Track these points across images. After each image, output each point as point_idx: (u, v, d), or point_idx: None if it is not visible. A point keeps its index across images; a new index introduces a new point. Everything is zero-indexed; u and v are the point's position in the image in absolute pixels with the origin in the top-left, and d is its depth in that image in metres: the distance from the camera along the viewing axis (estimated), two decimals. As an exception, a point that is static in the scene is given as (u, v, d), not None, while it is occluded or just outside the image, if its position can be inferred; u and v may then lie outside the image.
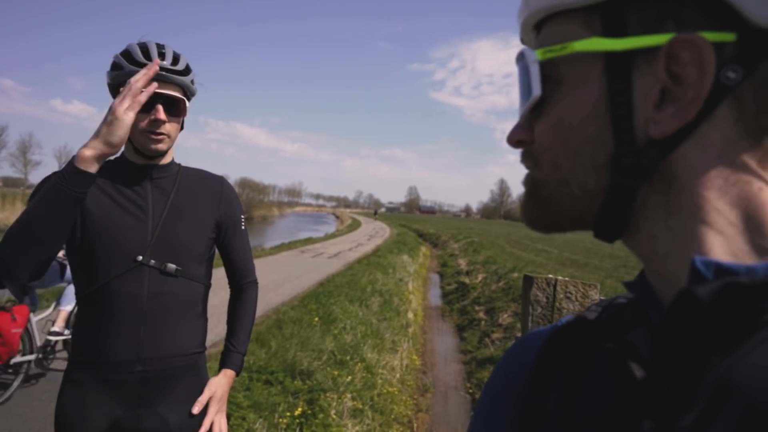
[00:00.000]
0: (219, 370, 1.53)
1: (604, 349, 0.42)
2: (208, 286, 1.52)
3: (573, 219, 0.44)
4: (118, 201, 1.38)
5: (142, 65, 1.33)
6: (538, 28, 0.46)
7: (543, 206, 0.45)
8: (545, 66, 0.43)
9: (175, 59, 1.39)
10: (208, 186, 1.54)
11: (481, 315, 8.33)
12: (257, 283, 1.67)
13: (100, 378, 1.35)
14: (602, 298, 0.68)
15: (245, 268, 1.62)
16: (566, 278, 1.61)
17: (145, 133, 1.35)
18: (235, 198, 1.59)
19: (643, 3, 0.38)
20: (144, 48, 1.37)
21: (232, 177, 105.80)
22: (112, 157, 1.28)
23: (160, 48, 1.38)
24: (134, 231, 1.37)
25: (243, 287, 1.62)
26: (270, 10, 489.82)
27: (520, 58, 0.45)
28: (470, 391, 5.32)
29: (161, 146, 1.39)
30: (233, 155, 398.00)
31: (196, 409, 1.43)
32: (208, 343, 1.59)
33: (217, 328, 1.49)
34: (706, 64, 0.36)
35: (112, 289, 1.34)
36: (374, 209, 49.27)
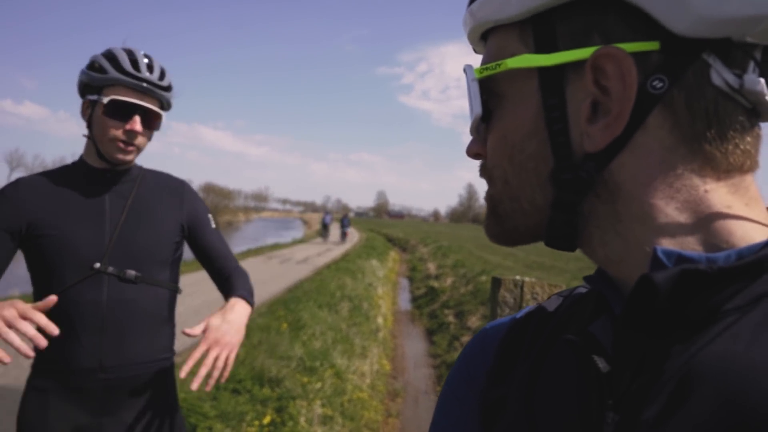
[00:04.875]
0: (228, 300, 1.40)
1: (565, 340, 0.42)
2: (174, 290, 1.48)
3: (529, 233, 0.44)
4: (72, 207, 1.34)
5: (130, 75, 1.30)
6: (485, 38, 0.46)
7: (501, 222, 0.46)
8: (486, 82, 0.43)
9: (162, 74, 1.37)
10: (170, 189, 1.50)
11: (451, 318, 8.39)
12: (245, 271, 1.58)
13: (62, 386, 1.32)
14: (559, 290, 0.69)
15: (228, 264, 1.54)
16: (533, 279, 1.63)
17: (115, 141, 1.31)
18: (198, 199, 1.56)
19: (570, 16, 0.38)
20: (132, 57, 1.33)
21: (196, 182, 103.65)
22: (69, 162, 1.23)
23: (148, 59, 1.35)
24: (90, 238, 1.32)
25: (231, 274, 1.53)
26: (232, 11, 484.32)
27: (465, 73, 0.45)
28: (440, 394, 5.35)
29: (129, 158, 1.36)
30: (197, 159, 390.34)
31: (190, 330, 1.23)
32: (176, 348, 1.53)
33: (182, 337, 1.44)
34: (627, 76, 0.36)
35: (69, 298, 1.29)
36: (322, 216, 34.82)
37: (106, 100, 1.29)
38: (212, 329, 1.27)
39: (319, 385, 4.51)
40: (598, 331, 0.41)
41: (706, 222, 0.37)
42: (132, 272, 1.35)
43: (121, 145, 1.32)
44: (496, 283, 1.59)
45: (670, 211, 0.37)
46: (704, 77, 0.36)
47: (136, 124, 1.31)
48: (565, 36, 0.39)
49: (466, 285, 10.48)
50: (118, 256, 1.34)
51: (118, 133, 1.30)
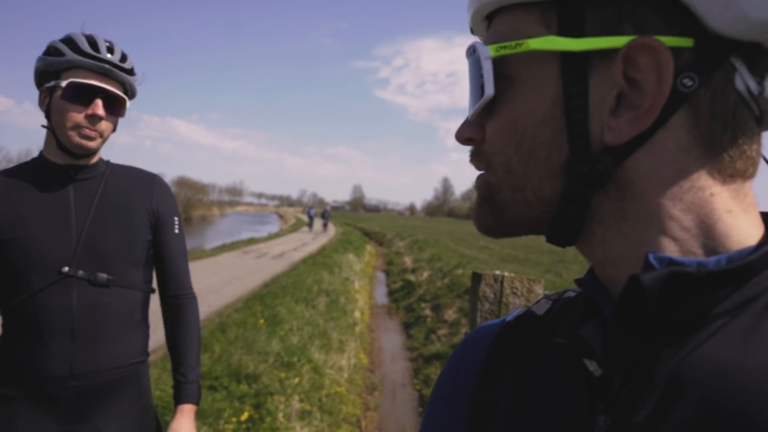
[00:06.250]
0: (175, 407, 1.38)
1: (555, 344, 0.41)
2: (148, 292, 1.42)
3: (527, 225, 0.43)
4: (35, 208, 1.26)
5: (89, 56, 1.23)
6: (490, 19, 0.44)
7: (497, 213, 0.43)
8: (498, 62, 0.40)
9: (123, 57, 1.30)
10: (139, 184, 1.41)
11: (427, 312, 8.45)
12: (195, 297, 1.49)
13: (31, 394, 1.25)
14: (546, 293, 0.70)
15: (179, 278, 1.45)
16: (512, 274, 1.65)
17: (77, 128, 1.23)
18: (169, 197, 1.47)
19: (601, 3, 0.37)
20: (91, 40, 1.26)
21: (169, 176, 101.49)
22: (28, 159, 1.16)
23: (108, 43, 1.29)
24: (56, 240, 1.26)
25: (179, 301, 1.44)
26: (210, 5, 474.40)
27: (472, 52, 0.42)
28: (417, 387, 5.39)
29: (92, 144, 1.27)
30: (169, 153, 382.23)
31: None
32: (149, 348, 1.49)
33: (155, 333, 1.41)
34: (665, 70, 0.35)
35: (36, 303, 1.23)
36: (307, 211, 44.39)
37: (64, 83, 1.22)
38: None
39: (296, 380, 4.50)
40: (588, 335, 0.41)
41: (708, 225, 0.37)
42: (103, 275, 1.29)
43: (84, 131, 1.23)
44: (477, 278, 1.61)
45: (676, 212, 0.37)
46: (729, 80, 0.36)
47: (98, 108, 1.23)
48: (594, 22, 0.37)
49: (442, 278, 10.56)
50: (87, 258, 1.28)
51: (79, 118, 1.22)
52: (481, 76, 0.41)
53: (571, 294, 0.51)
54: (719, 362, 0.33)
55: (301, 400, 4.16)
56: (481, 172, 0.45)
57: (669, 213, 0.37)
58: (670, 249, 0.37)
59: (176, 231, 1.45)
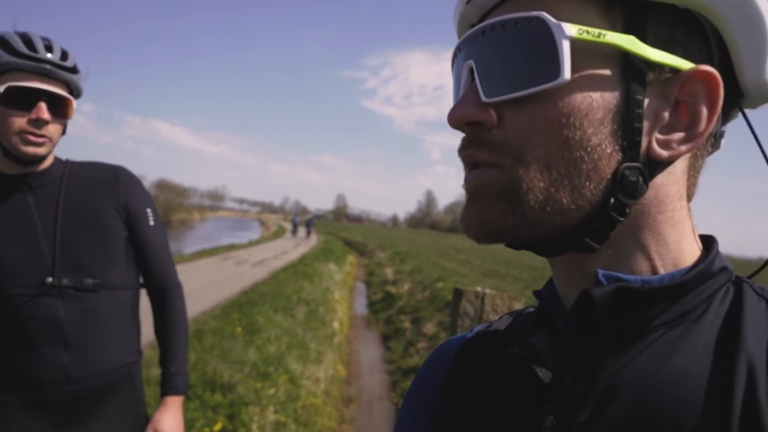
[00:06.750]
0: (160, 399, 1.37)
1: (510, 354, 0.45)
2: (136, 289, 1.39)
3: (551, 230, 0.39)
4: None
5: (26, 57, 1.16)
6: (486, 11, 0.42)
7: (521, 213, 0.38)
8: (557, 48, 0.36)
9: (64, 54, 1.23)
10: (103, 181, 1.34)
11: (407, 324, 8.42)
12: (181, 286, 1.47)
13: (26, 399, 1.23)
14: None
15: (161, 269, 1.42)
16: (493, 291, 1.66)
17: (21, 134, 1.16)
18: (137, 189, 1.39)
19: (661, 19, 0.37)
20: (26, 38, 1.18)
21: (150, 178, 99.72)
22: None
23: (46, 41, 1.21)
24: (28, 254, 1.22)
25: (164, 293, 1.43)
26: (195, 4, 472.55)
27: (528, 23, 0.37)
28: (395, 401, 5.35)
29: (40, 150, 1.20)
30: (151, 154, 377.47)
31: None
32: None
33: (145, 332, 1.39)
34: (717, 101, 0.37)
35: (23, 315, 1.21)
36: (292, 217, 45.16)
37: (2, 88, 1.14)
38: None
39: (272, 390, 4.43)
40: (539, 343, 0.44)
41: (679, 243, 0.40)
42: (89, 281, 1.26)
43: (29, 137, 1.17)
44: (458, 294, 1.61)
45: (664, 228, 0.40)
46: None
47: (42, 111, 1.16)
48: (654, 36, 0.37)
49: (422, 291, 10.56)
50: (66, 266, 1.25)
51: (23, 123, 1.15)
52: (545, 54, 0.36)
53: (531, 310, 0.53)
54: (647, 371, 0.37)
55: (276, 411, 4.09)
56: (484, 165, 0.40)
57: (657, 230, 0.40)
58: (645, 264, 0.40)
59: (151, 223, 1.39)
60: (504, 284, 11.39)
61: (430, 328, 7.68)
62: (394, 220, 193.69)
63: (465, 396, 0.49)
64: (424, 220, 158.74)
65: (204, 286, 10.15)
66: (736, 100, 0.41)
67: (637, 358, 0.38)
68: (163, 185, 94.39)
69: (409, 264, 16.03)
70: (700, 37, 0.38)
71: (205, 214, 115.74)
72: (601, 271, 0.39)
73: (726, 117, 0.43)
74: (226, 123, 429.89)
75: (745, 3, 0.37)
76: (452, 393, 0.51)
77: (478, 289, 1.63)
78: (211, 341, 5.50)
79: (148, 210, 1.39)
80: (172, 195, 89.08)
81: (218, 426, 3.60)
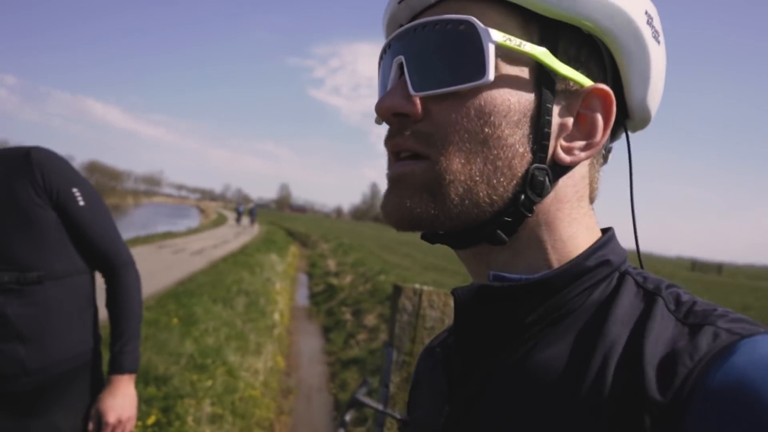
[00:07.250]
0: (107, 378, 1.33)
1: (435, 355, 0.53)
2: (86, 272, 1.34)
3: (466, 221, 0.42)
4: None
5: None
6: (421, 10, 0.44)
7: (442, 203, 0.41)
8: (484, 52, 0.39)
9: None
10: (13, 165, 1.24)
11: (348, 316, 8.48)
12: (132, 263, 1.41)
13: None
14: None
15: (103, 249, 1.34)
16: (431, 288, 1.75)
17: None
18: (55, 169, 1.27)
19: (570, 38, 0.42)
20: None
21: (79, 159, 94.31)
22: None
23: None
24: None
25: (113, 272, 1.36)
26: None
27: (457, 26, 0.40)
28: (333, 392, 5.41)
29: None
30: (81, 134, 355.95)
31: None
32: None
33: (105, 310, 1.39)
34: (611, 115, 0.44)
35: None
36: (236, 206, 46.62)
37: None
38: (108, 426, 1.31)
39: (209, 382, 4.37)
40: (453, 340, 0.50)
41: (574, 239, 0.45)
42: (33, 274, 1.22)
43: None
44: (398, 291, 1.68)
45: (560, 226, 0.44)
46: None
47: None
48: (563, 54, 0.42)
49: (364, 283, 10.65)
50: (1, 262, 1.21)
51: None
52: (472, 55, 0.39)
53: None
54: (519, 364, 0.42)
55: (212, 404, 4.05)
56: (409, 155, 0.42)
57: (558, 230, 0.44)
58: (542, 259, 0.44)
59: (81, 203, 1.29)
60: (443, 278, 11.68)
61: (371, 320, 7.78)
62: (338, 211, 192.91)
63: (415, 399, 0.57)
64: (368, 212, 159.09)
65: (138, 275, 9.76)
66: (623, 120, 0.48)
67: (513, 352, 0.42)
68: (94, 167, 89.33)
69: (351, 256, 16.08)
70: (598, 59, 0.44)
71: (141, 200, 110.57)
72: (491, 272, 0.43)
73: (613, 135, 0.49)
74: (164, 104, 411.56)
75: (637, 35, 0.42)
76: (411, 403, 0.58)
77: (416, 285, 1.71)
78: (146, 333, 5.32)
79: (74, 189, 1.29)
80: (104, 178, 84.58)
81: (151, 419, 3.52)
